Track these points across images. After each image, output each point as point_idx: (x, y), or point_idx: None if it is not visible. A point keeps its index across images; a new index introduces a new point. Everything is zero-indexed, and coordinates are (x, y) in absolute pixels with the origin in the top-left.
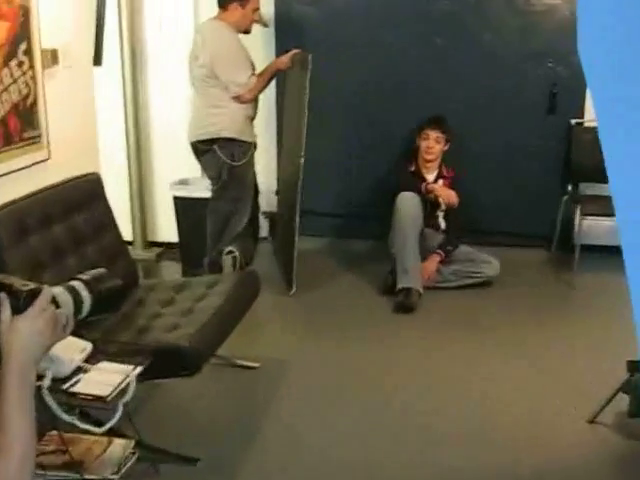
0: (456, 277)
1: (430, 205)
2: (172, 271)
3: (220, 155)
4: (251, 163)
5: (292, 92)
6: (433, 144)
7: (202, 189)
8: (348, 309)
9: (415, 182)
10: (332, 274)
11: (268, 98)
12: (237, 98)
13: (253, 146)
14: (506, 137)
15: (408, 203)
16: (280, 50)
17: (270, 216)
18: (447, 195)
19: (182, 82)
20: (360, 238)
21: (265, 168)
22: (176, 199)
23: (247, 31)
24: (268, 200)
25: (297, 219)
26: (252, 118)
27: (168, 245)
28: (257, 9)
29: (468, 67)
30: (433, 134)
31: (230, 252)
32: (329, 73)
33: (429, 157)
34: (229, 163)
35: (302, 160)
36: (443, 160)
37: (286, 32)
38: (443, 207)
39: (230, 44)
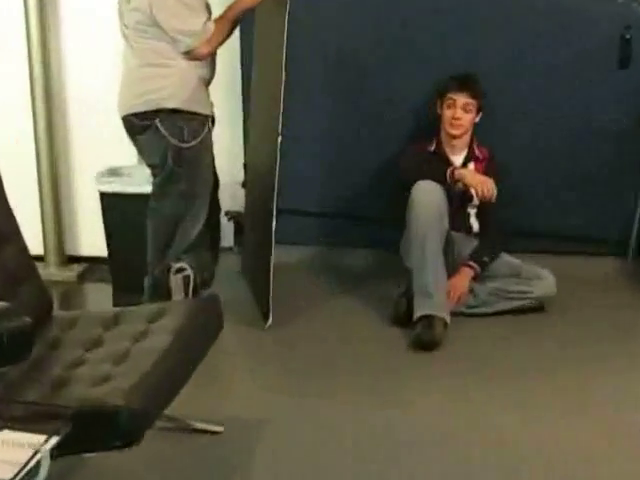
0: (496, 299)
1: (458, 199)
2: (100, 297)
3: (164, 133)
4: (207, 144)
5: (263, 44)
6: (461, 113)
7: (140, 182)
8: (345, 347)
9: (436, 166)
10: (323, 297)
11: (229, 52)
12: (188, 54)
13: (210, 120)
14: (561, 106)
15: (427, 197)
16: None
17: (236, 218)
18: (481, 184)
19: (109, 33)
20: (361, 246)
21: (227, 151)
22: (104, 196)
23: None
24: (233, 195)
25: (274, 221)
26: (208, 81)
27: (94, 261)
28: None
29: (504, 9)
30: (461, 99)
31: (180, 270)
32: (313, 21)
33: (455, 131)
34: (176, 144)
35: (279, 139)
36: (474, 135)
37: None
38: (476, 201)
39: None
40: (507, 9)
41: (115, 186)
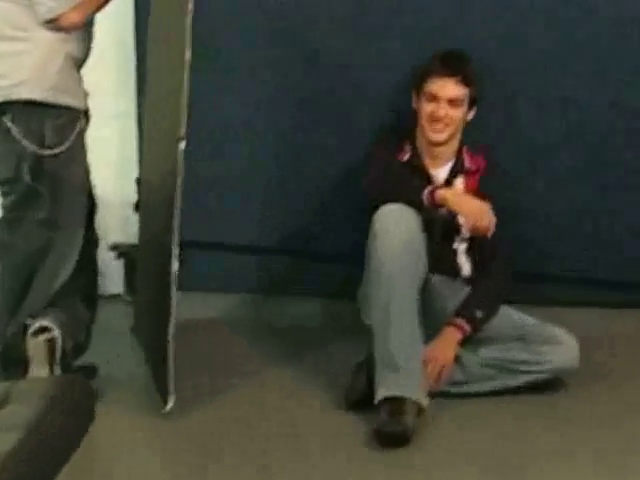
0: (493, 373)
1: (442, 229)
2: None
3: (16, 136)
4: (79, 151)
5: (161, 16)
6: (446, 109)
7: None
8: (278, 442)
9: (409, 184)
10: (249, 368)
11: (119, 24)
12: (51, 23)
13: (83, 116)
14: (590, 98)
15: (395, 227)
16: None
17: (127, 253)
18: (473, 210)
19: None
20: (306, 294)
21: (115, 161)
22: None
23: None
24: (123, 222)
25: (174, 261)
26: (80, 62)
27: None
28: None
29: None
30: (446, 88)
31: (42, 330)
32: None
33: (437, 136)
34: (35, 152)
35: (182, 145)
36: (465, 139)
37: None
38: (465, 233)
39: None
40: None
41: None
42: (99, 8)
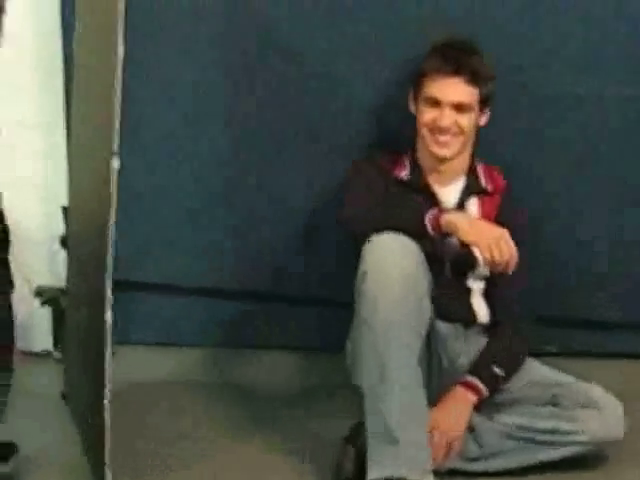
0: (515, 445)
1: (452, 265)
2: None
3: None
4: None
5: (89, 16)
6: (451, 115)
7: None
8: None
9: (406, 208)
10: (209, 443)
11: (45, 25)
12: None
13: None
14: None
15: (390, 264)
16: None
17: (54, 300)
18: (490, 239)
19: None
20: (270, 347)
21: (38, 185)
22: None
23: None
24: (48, 261)
25: (109, 308)
26: None
27: None
28: None
29: None
30: (451, 89)
31: None
32: None
33: (443, 150)
34: None
35: (117, 163)
36: (477, 151)
37: None
38: (483, 270)
39: None
40: None
41: None
42: None
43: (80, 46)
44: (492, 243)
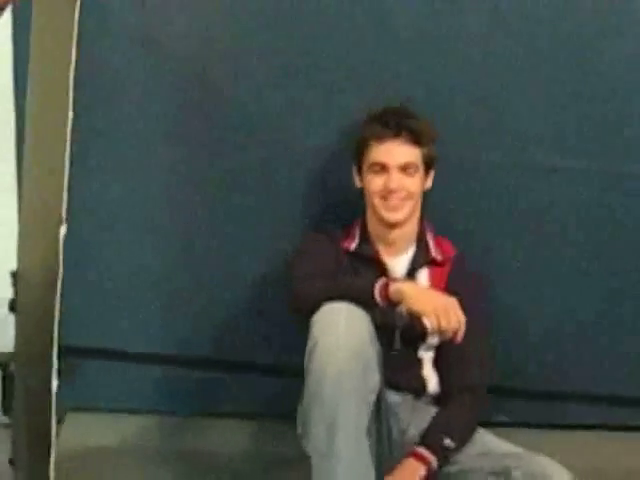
0: None
1: (402, 335)
2: None
3: None
4: None
5: (41, 61)
6: (398, 178)
7: None
8: None
9: (359, 277)
10: None
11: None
12: None
13: None
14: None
15: (340, 331)
16: None
17: (2, 365)
18: (438, 307)
19: None
20: (221, 415)
21: None
22: None
23: None
24: (3, 323)
25: (53, 378)
26: None
27: None
28: None
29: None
30: (396, 153)
31: None
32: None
33: (395, 215)
34: None
35: (64, 229)
36: (424, 216)
37: None
38: (434, 339)
39: None
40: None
41: None
42: None
43: (30, 116)
44: (440, 311)
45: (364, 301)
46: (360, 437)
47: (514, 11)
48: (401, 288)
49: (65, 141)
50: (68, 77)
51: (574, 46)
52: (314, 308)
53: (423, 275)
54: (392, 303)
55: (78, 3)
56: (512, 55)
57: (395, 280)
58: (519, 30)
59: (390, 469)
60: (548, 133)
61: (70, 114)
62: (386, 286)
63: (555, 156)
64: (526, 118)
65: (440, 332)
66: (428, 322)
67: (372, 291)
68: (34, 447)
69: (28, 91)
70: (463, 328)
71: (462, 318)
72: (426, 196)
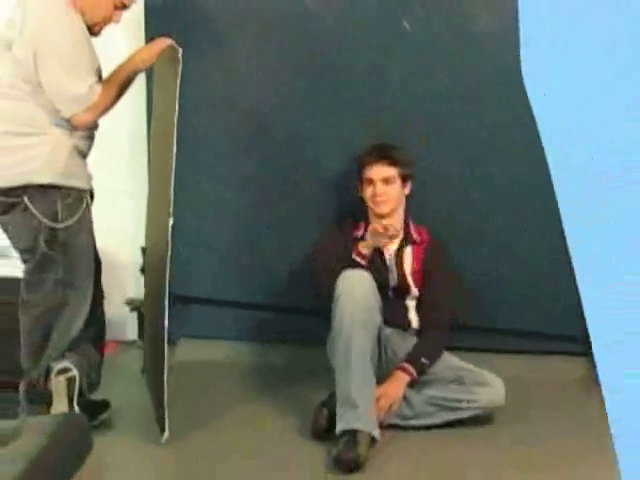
0: (435, 409)
1: (394, 290)
2: None
3: (34, 212)
4: (86, 223)
5: (157, 109)
6: (382, 188)
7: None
8: (251, 466)
9: (339, 257)
10: (235, 403)
11: (134, 113)
12: (70, 120)
13: (88, 195)
14: (516, 167)
15: (353, 288)
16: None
17: (138, 307)
18: (377, 229)
19: None
20: (282, 342)
21: (131, 230)
22: None
23: (96, 30)
24: (135, 281)
25: (165, 316)
26: (84, 154)
27: None
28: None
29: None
30: (378, 171)
31: (64, 370)
32: (219, 78)
33: (381, 208)
34: (50, 225)
35: (171, 221)
36: (408, 213)
37: (160, 14)
38: (415, 292)
39: (73, 31)
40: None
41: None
42: (106, 111)
43: (152, 140)
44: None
45: (352, 264)
46: (366, 357)
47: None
48: (367, 243)
49: (171, 165)
50: (173, 123)
51: None
52: (324, 276)
53: (408, 250)
54: (369, 255)
55: (179, 72)
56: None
57: (360, 242)
58: None
59: (386, 378)
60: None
61: (174, 148)
62: (356, 247)
63: None
64: None
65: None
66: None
67: (352, 259)
68: (154, 361)
69: (151, 122)
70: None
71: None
72: (407, 199)
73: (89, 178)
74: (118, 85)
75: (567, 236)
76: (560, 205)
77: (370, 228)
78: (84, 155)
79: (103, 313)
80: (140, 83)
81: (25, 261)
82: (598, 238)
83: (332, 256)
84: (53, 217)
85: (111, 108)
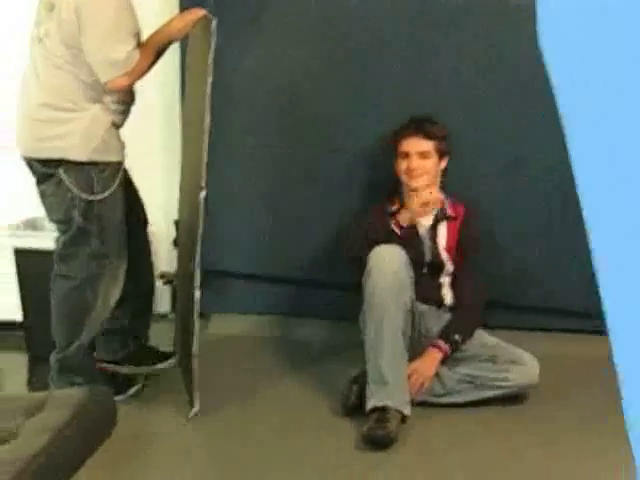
0: (467, 387)
1: (429, 266)
2: (14, 368)
3: (69, 186)
4: (120, 195)
5: (191, 79)
6: (417, 162)
7: None
8: (282, 441)
9: (381, 226)
10: (265, 378)
11: (168, 86)
12: (106, 85)
13: (121, 167)
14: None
15: (386, 264)
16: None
17: (171, 281)
18: (423, 202)
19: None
20: (314, 316)
21: (164, 204)
22: (18, 253)
23: None
24: (169, 254)
25: (197, 289)
26: (118, 125)
27: (6, 326)
28: None
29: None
30: (413, 145)
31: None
32: (248, 57)
33: (416, 182)
34: (85, 197)
35: (203, 194)
36: (444, 188)
37: None
38: (450, 269)
39: None
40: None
41: (31, 241)
42: (141, 76)
43: (184, 118)
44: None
45: (390, 239)
46: (398, 332)
47: None
48: (406, 215)
49: (204, 138)
50: (206, 95)
51: None
52: (354, 250)
53: (443, 227)
54: (406, 236)
55: (214, 44)
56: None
57: (399, 215)
58: None
59: (418, 354)
60: None
61: (208, 119)
62: (397, 222)
63: None
64: None
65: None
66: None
67: (390, 231)
68: (185, 338)
69: (185, 95)
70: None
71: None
72: (443, 174)
73: (123, 149)
74: (153, 52)
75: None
76: (579, 188)
77: (410, 202)
78: (119, 126)
79: (153, 286)
80: (174, 54)
81: (62, 232)
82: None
83: (369, 225)
84: (89, 190)
85: (147, 73)
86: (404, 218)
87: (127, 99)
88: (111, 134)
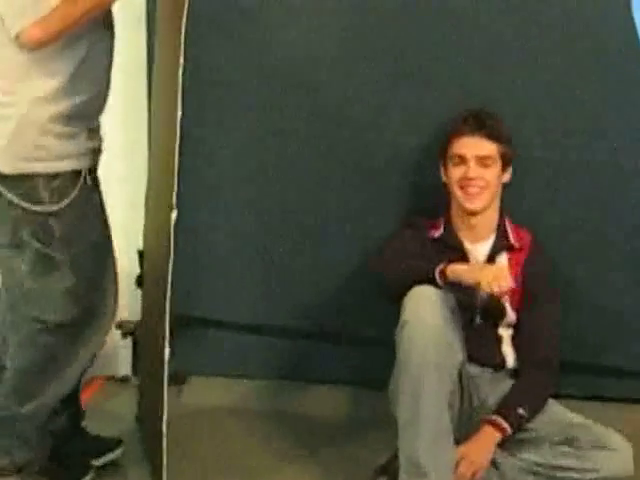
0: (533, 478)
1: (481, 314)
2: None
3: (11, 199)
4: (89, 203)
5: (161, 60)
6: (476, 169)
7: None
8: None
9: (420, 264)
10: (256, 466)
11: (134, 77)
12: (17, 39)
13: (87, 173)
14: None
15: (426, 314)
16: None
17: (132, 332)
18: (488, 274)
19: None
20: (327, 382)
21: (124, 229)
22: None
23: None
24: (128, 297)
25: (167, 345)
26: (82, 117)
27: None
28: None
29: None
30: (473, 146)
31: None
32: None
33: (473, 203)
34: (36, 210)
35: (174, 215)
36: (504, 208)
37: None
38: (512, 317)
39: None
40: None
41: None
42: (63, 32)
43: (153, 125)
44: (490, 277)
45: (428, 281)
46: (441, 406)
47: None
48: (456, 268)
49: (175, 146)
50: (176, 76)
51: None
52: (396, 286)
53: (502, 260)
54: (451, 284)
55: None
56: (598, 61)
57: (450, 264)
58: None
59: (469, 434)
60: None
61: (179, 114)
62: (443, 271)
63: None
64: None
65: (491, 292)
66: (482, 289)
67: (433, 273)
68: (152, 404)
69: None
70: (507, 288)
71: (509, 279)
72: (505, 188)
73: (99, 141)
74: (82, 6)
75: None
76: None
77: (485, 278)
78: (84, 117)
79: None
80: (139, 31)
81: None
82: None
83: (406, 257)
84: (37, 200)
85: (68, 31)
86: (454, 271)
87: None
88: (58, 135)
